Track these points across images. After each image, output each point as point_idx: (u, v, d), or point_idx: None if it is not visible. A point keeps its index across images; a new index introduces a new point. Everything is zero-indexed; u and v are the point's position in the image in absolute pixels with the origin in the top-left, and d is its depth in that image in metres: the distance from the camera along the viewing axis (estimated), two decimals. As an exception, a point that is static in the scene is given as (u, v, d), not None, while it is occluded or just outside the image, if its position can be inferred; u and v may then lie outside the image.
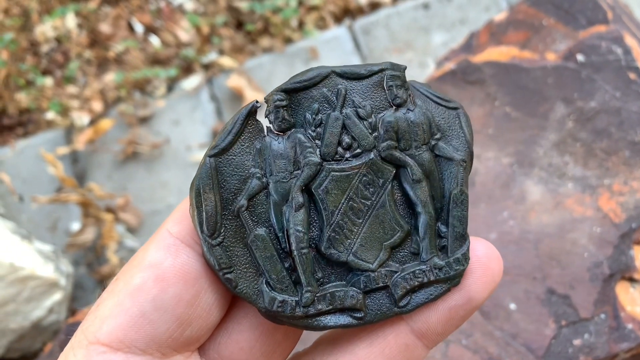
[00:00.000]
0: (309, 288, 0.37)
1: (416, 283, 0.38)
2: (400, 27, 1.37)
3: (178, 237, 0.36)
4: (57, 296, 1.12)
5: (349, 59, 1.35)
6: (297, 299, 0.36)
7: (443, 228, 0.39)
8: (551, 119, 0.87)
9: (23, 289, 1.08)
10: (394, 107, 0.38)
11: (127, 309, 0.34)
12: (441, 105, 0.39)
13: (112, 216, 1.24)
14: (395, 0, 1.46)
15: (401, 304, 0.38)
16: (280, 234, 0.37)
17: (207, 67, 1.43)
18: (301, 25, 1.46)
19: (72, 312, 1.17)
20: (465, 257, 0.38)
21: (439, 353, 0.79)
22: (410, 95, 0.39)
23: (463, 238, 0.38)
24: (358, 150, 0.38)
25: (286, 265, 0.37)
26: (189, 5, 1.53)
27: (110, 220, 1.23)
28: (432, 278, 0.38)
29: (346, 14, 1.47)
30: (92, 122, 1.37)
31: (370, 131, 0.38)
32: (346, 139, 0.37)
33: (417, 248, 0.39)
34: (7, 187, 1.30)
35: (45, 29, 1.52)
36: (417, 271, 0.38)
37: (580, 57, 0.89)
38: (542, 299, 0.80)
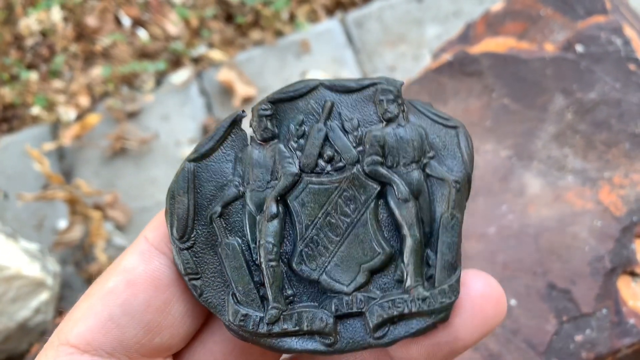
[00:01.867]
0: (275, 304, 0.35)
1: (395, 312, 0.35)
2: (394, 19, 1.35)
3: (153, 244, 0.35)
4: (43, 296, 1.09)
5: (341, 52, 1.33)
6: (262, 314, 0.35)
7: (432, 255, 0.36)
8: (550, 111, 0.86)
9: (8, 289, 1.05)
10: (384, 122, 0.36)
11: (97, 312, 0.34)
12: (438, 123, 0.37)
13: (100, 213, 1.21)
14: (387, -7, 1.44)
15: (377, 334, 0.35)
16: (253, 245, 0.35)
17: (196, 60, 1.40)
18: (292, 17, 1.43)
19: (59, 312, 1.15)
20: (453, 289, 0.34)
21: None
22: (403, 111, 0.37)
23: (452, 267, 0.35)
24: (340, 164, 0.36)
25: (255, 278, 0.35)
26: (178, -2, 1.50)
27: (98, 217, 1.21)
28: (413, 309, 0.34)
29: (338, 6, 1.45)
30: (79, 117, 1.35)
31: (354, 145, 0.36)
32: (328, 152, 0.36)
33: (402, 275, 0.35)
34: (-9, 184, 1.27)
35: (29, 23, 1.49)
36: (398, 300, 0.35)
37: (579, 48, 0.88)
38: (542, 294, 0.78)
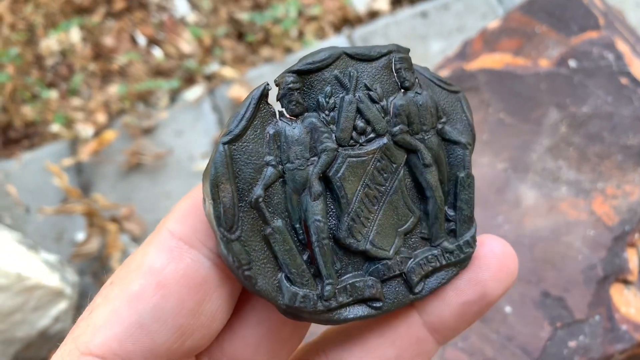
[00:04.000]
0: (330, 280, 0.35)
1: (430, 268, 0.37)
2: (399, 35, 1.39)
3: (182, 239, 0.33)
4: (62, 305, 1.14)
5: (348, 68, 1.37)
6: (318, 292, 0.35)
7: (450, 212, 0.38)
8: (545, 125, 0.89)
9: (29, 299, 1.10)
10: (403, 90, 0.37)
11: (123, 318, 0.31)
12: (444, 88, 0.39)
13: (116, 226, 1.26)
14: (393, 9, 1.48)
15: (416, 290, 0.37)
16: (297, 225, 0.35)
17: (209, 78, 1.45)
18: (301, 35, 1.48)
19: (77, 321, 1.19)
20: (474, 240, 0.38)
21: (436, 356, 0.80)
22: (416, 78, 0.38)
23: (471, 221, 0.38)
24: (372, 135, 0.36)
25: (304, 258, 0.35)
26: (191, 18, 1.56)
27: (114, 230, 1.25)
28: (443, 262, 0.37)
29: (345, 23, 1.49)
30: (97, 133, 1.40)
31: (382, 115, 0.37)
32: (360, 124, 0.36)
33: (427, 233, 0.38)
34: (13, 198, 1.33)
35: (50, 43, 1.55)
36: (430, 256, 0.37)
37: (572, 63, 0.91)
38: (537, 302, 0.81)
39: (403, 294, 0.37)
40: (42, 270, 1.11)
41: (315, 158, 0.35)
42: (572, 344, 0.78)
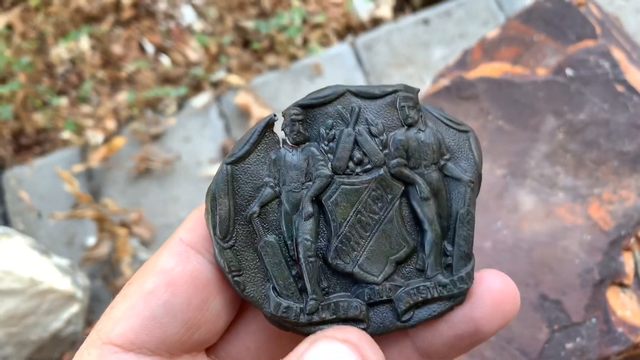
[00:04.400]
0: (314, 296, 0.37)
1: (420, 298, 0.38)
2: (401, 42, 1.41)
3: (189, 245, 0.37)
4: (74, 308, 1.17)
5: (351, 74, 1.39)
6: (302, 305, 0.37)
7: (449, 247, 0.39)
8: (542, 132, 0.91)
9: (42, 302, 1.13)
10: (406, 127, 0.39)
11: (139, 312, 0.35)
12: (452, 127, 0.40)
13: (126, 230, 1.29)
14: (396, 16, 1.51)
15: (404, 318, 0.38)
16: (289, 242, 0.38)
17: (215, 85, 1.48)
18: (305, 42, 1.50)
19: (88, 323, 1.22)
20: (469, 276, 0.38)
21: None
22: (421, 116, 0.40)
23: (468, 257, 0.39)
24: (368, 166, 0.39)
25: (293, 272, 0.38)
26: (198, 26, 1.59)
27: (124, 234, 1.28)
28: (435, 295, 0.38)
29: (348, 30, 1.51)
30: (106, 140, 1.43)
31: (381, 148, 0.39)
32: (357, 155, 0.38)
33: (423, 265, 0.39)
34: (26, 204, 1.36)
35: (60, 51, 1.58)
36: (422, 287, 0.38)
37: (569, 72, 0.93)
38: (535, 305, 0.83)
39: (390, 320, 0.38)
40: (54, 274, 1.14)
41: (311, 183, 0.38)
42: (569, 346, 0.81)
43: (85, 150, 1.43)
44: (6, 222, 1.36)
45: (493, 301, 0.37)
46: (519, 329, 0.82)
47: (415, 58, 1.39)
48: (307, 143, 0.39)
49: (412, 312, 0.38)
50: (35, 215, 1.36)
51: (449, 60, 1.32)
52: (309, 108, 0.39)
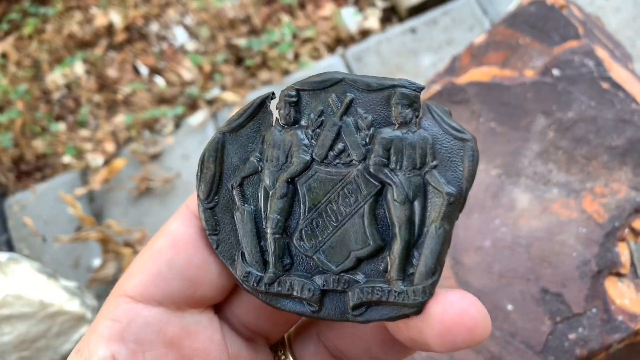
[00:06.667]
0: (273, 269, 0.39)
1: (373, 298, 0.38)
2: (390, 52, 1.45)
3: (193, 211, 0.40)
4: (84, 329, 1.18)
5: (344, 85, 1.42)
6: (262, 275, 0.39)
7: (417, 256, 0.38)
8: (533, 131, 0.94)
9: (53, 325, 1.14)
10: (396, 125, 0.38)
11: (147, 268, 0.38)
12: (449, 134, 0.38)
13: (130, 250, 1.31)
14: (383, 27, 1.54)
15: (355, 312, 0.39)
16: (263, 215, 0.40)
17: (211, 102, 1.51)
18: (297, 56, 1.54)
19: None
20: (427, 291, 0.37)
21: (445, 355, 0.85)
22: (417, 117, 0.38)
23: (431, 272, 0.37)
24: (348, 159, 0.38)
25: (261, 244, 0.40)
26: (190, 46, 1.62)
27: (129, 254, 1.30)
28: (390, 299, 0.38)
29: (338, 43, 1.55)
30: (106, 162, 1.45)
31: (364, 143, 0.38)
32: (339, 146, 0.38)
33: (384, 267, 0.39)
34: (30, 229, 1.38)
35: (55, 78, 1.61)
36: (377, 288, 0.38)
37: (555, 72, 0.96)
38: (537, 299, 0.86)
39: (341, 310, 0.39)
40: (62, 296, 1.16)
41: (290, 165, 0.39)
42: (572, 336, 0.83)
43: (86, 173, 1.45)
44: (11, 248, 1.38)
45: (442, 327, 0.35)
46: (522, 323, 0.85)
47: (405, 66, 1.42)
48: (296, 126, 0.39)
49: (364, 309, 0.38)
50: (40, 239, 1.38)
51: (438, 67, 1.35)
52: (304, 92, 0.39)
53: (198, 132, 1.46)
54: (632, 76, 1.00)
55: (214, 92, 1.51)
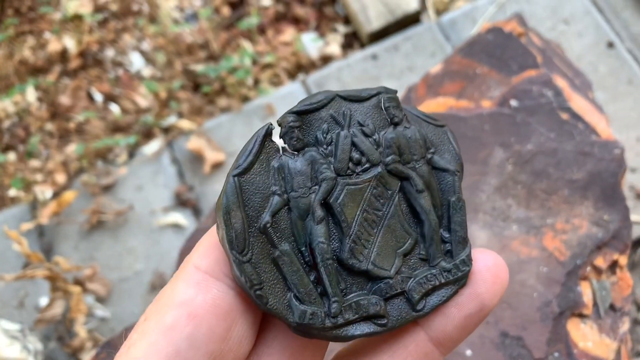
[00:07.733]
0: (336, 298, 0.38)
1: (430, 286, 0.40)
2: (352, 78, 1.41)
3: (207, 272, 0.36)
4: (25, 376, 1.11)
5: (304, 113, 1.38)
6: (325, 310, 0.37)
7: (446, 234, 0.41)
8: (491, 164, 0.90)
9: (-10, 372, 1.07)
10: (393, 125, 0.41)
11: (161, 349, 0.33)
12: (430, 123, 0.43)
13: (79, 288, 1.24)
14: (345, 53, 1.51)
15: (418, 307, 0.39)
16: (303, 248, 0.38)
17: (166, 130, 1.45)
18: (256, 83, 1.49)
19: (43, 390, 1.16)
20: (469, 259, 0.40)
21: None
22: (404, 115, 0.42)
23: (465, 241, 0.41)
24: (367, 165, 0.40)
25: (311, 278, 0.38)
26: (147, 72, 1.56)
27: (77, 292, 1.23)
28: (442, 281, 0.40)
29: (299, 69, 1.51)
30: (56, 194, 1.39)
31: (375, 147, 0.40)
32: (355, 155, 0.40)
33: (425, 254, 0.41)
34: (-28, 267, 1.30)
35: (5, 105, 1.54)
36: (429, 275, 0.40)
37: (513, 102, 0.93)
38: (496, 343, 0.81)
39: (406, 311, 0.39)
40: (1, 341, 1.09)
41: (317, 187, 0.39)
42: (533, 383, 0.79)
43: (34, 206, 1.38)
44: (-47, 287, 1.30)
45: (492, 275, 0.40)
46: (481, 369, 0.80)
47: (367, 93, 1.38)
48: (306, 148, 0.39)
49: (424, 301, 0.39)
50: (-17, 278, 1.30)
51: (399, 93, 1.32)
52: (303, 114, 0.39)
53: (153, 162, 1.40)
54: (592, 106, 0.97)
55: (171, 119, 1.46)
